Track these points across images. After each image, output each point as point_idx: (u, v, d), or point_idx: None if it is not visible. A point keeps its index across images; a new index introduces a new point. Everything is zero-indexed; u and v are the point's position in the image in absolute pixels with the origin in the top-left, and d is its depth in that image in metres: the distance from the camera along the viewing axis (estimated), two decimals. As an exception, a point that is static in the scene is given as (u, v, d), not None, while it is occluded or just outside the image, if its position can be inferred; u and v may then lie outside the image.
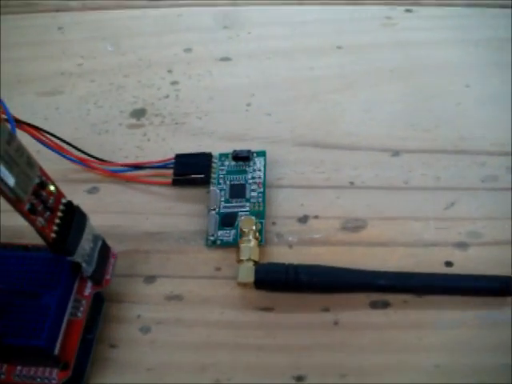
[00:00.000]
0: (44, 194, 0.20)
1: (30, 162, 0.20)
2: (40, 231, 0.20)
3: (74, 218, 0.22)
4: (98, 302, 0.25)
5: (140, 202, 0.29)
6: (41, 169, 0.21)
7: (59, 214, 0.21)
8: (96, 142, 0.32)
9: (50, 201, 0.21)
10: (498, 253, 0.27)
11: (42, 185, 0.20)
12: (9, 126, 0.19)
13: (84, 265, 0.23)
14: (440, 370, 0.23)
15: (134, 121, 0.33)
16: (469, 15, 0.37)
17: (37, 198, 0.20)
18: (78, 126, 0.33)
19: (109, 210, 0.29)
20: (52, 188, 0.21)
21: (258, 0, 0.39)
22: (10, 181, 0.18)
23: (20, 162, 0.19)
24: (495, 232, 0.27)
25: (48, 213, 0.21)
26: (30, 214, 0.20)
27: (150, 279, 0.26)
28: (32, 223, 0.20)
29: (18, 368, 0.22)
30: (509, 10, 0.37)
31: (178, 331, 0.25)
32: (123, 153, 0.31)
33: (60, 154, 0.29)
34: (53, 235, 0.21)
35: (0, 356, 0.22)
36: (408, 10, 0.38)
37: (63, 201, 0.22)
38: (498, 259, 0.26)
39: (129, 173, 0.30)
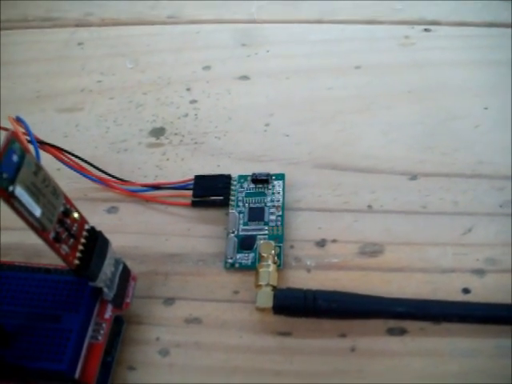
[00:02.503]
0: (68, 221, 0.21)
1: (56, 192, 0.20)
2: (64, 259, 0.21)
3: (97, 243, 0.22)
4: (118, 325, 0.25)
5: (159, 223, 0.29)
6: (65, 197, 0.21)
7: (82, 240, 0.22)
8: (115, 161, 0.32)
9: (74, 228, 0.21)
10: (514, 280, 0.27)
11: (67, 213, 0.21)
12: (34, 156, 0.19)
13: (105, 290, 0.23)
14: (457, 400, 0.23)
15: (153, 140, 0.33)
16: (489, 35, 0.37)
17: (61, 226, 0.20)
18: (97, 145, 0.33)
19: (128, 231, 0.29)
20: (76, 215, 0.21)
21: (277, 18, 0.39)
22: (37, 212, 0.19)
23: (46, 192, 0.19)
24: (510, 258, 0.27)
25: (72, 240, 0.21)
26: (54, 243, 0.20)
27: (169, 301, 0.27)
28: (57, 251, 0.20)
29: (39, 390, 0.23)
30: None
31: (197, 355, 0.25)
32: (142, 172, 0.32)
33: (80, 173, 0.30)
34: (76, 262, 0.21)
35: (20, 379, 0.22)
36: (426, 30, 0.38)
37: (86, 227, 0.22)
38: (513, 285, 0.26)
39: (148, 193, 0.30)
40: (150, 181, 0.31)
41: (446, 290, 0.26)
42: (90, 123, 0.34)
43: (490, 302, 0.25)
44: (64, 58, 0.39)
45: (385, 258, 0.28)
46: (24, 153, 0.18)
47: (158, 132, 0.34)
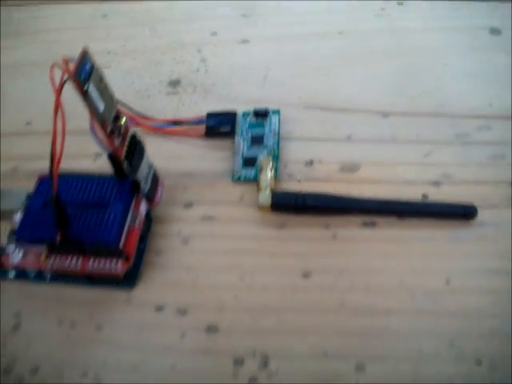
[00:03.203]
0: (118, 124, 0.27)
1: (112, 99, 0.27)
2: (115, 151, 0.27)
3: (137, 146, 0.29)
4: (148, 222, 0.32)
5: (178, 150, 0.36)
6: (117, 107, 0.28)
7: (127, 141, 0.28)
8: (140, 106, 0.39)
9: (122, 130, 0.28)
10: (465, 190, 0.33)
11: (118, 117, 0.27)
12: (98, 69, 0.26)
13: (142, 184, 0.30)
14: (414, 273, 0.30)
15: (170, 89, 0.40)
16: (453, 8, 0.44)
17: (114, 124, 0.27)
18: (124, 93, 0.40)
19: (153, 157, 0.36)
20: (123, 121, 0.28)
21: (273, -6, 0.46)
22: (101, 107, 0.25)
23: (106, 96, 0.26)
24: (464, 174, 0.34)
25: (120, 139, 0.28)
26: (110, 135, 0.27)
27: (188, 205, 0.33)
28: (110, 144, 0.27)
29: (91, 260, 0.29)
30: (486, 3, 0.45)
31: (211, 242, 0.32)
32: (163, 114, 0.38)
33: (113, 111, 0.36)
34: (123, 156, 0.28)
35: (79, 252, 0.29)
36: (399, 4, 0.45)
37: (130, 133, 0.29)
38: (464, 194, 0.33)
39: (169, 128, 0.37)
40: (171, 118, 0.37)
41: (408, 195, 0.33)
42: (117, 78, 0.41)
43: (442, 202, 0.32)
44: (91, 27, 0.45)
45: (360, 174, 0.34)
46: (93, 64, 0.25)
47: (175, 83, 0.40)
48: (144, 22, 0.45)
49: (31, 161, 0.36)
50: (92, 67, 0.25)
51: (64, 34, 0.45)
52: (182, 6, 0.46)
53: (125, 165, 0.28)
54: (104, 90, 0.26)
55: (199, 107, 0.38)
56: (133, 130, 0.29)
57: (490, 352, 0.27)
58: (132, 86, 0.40)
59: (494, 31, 0.43)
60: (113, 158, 0.29)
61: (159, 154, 0.35)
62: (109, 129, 0.26)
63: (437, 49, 0.42)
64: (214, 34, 0.44)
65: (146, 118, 0.37)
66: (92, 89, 0.24)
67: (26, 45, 0.44)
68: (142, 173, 0.30)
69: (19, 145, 0.38)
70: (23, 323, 0.29)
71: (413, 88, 0.39)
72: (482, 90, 0.39)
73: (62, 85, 0.23)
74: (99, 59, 0.43)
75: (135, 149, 0.29)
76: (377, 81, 0.40)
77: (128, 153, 0.28)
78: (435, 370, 0.27)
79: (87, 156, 0.36)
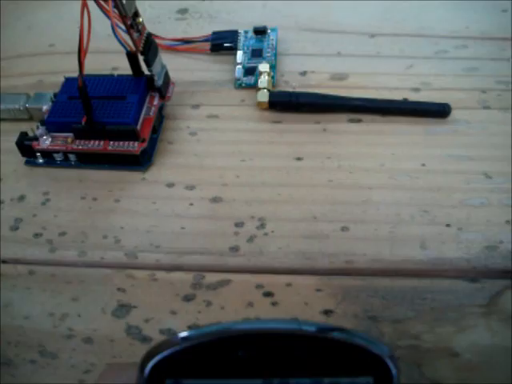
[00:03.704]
0: (137, 20, 0.32)
1: (131, -3, 0.31)
2: (134, 42, 0.31)
3: (152, 44, 0.33)
4: (161, 117, 0.36)
5: (187, 64, 0.40)
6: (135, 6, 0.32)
7: (143, 38, 0.33)
8: (152, 30, 0.42)
9: (139, 27, 0.32)
10: (441, 95, 0.37)
11: (136, 14, 0.32)
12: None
13: (156, 78, 0.34)
14: (394, 158, 0.34)
15: (179, 15, 0.44)
16: None
17: (134, 20, 0.31)
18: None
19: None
20: (141, 19, 0.32)
21: None
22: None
23: (126, -7, 0.30)
24: (441, 83, 0.38)
25: (138, 34, 0.32)
26: (130, 28, 0.31)
27: (196, 106, 0.38)
28: (131, 35, 0.31)
29: (112, 142, 0.33)
30: None
31: (215, 134, 0.36)
32: (173, 35, 0.42)
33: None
34: (140, 48, 0.32)
35: (101, 135, 0.33)
36: None
37: (146, 32, 0.33)
38: (440, 98, 0.37)
39: (178, 46, 0.41)
40: (181, 37, 0.42)
41: (391, 97, 0.37)
42: (130, 7, 0.45)
43: (420, 101, 0.36)
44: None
45: (349, 81, 0.39)
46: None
47: (183, 11, 0.45)
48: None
49: (54, 74, 0.40)
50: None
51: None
52: None
53: (141, 58, 0.33)
54: (124, -13, 0.30)
55: (205, 30, 0.43)
56: (147, 31, 0.33)
57: (458, 218, 0.31)
58: (144, 14, 0.44)
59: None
60: (131, 56, 0.33)
61: (169, 67, 0.40)
62: (129, 22, 0.30)
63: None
64: (218, -30, 0.48)
65: (157, 36, 0.41)
66: (115, -18, 0.29)
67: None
68: (156, 68, 0.34)
69: (43, 62, 0.42)
70: (51, 199, 0.34)
71: (398, 13, 0.43)
72: (460, 15, 0.43)
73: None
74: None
75: (150, 46, 0.33)
76: (366, 7, 0.44)
77: (144, 48, 0.32)
78: (410, 231, 0.31)
79: (105, 70, 0.40)
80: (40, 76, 0.41)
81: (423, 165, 0.34)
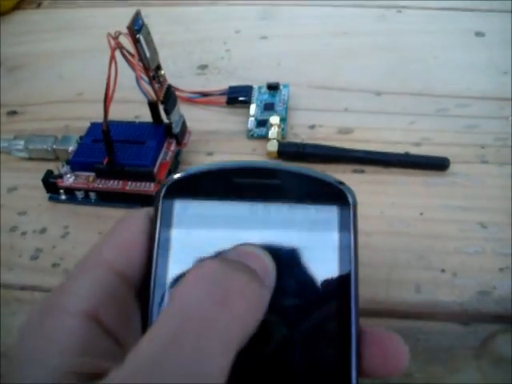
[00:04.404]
0: (159, 73, 0.35)
1: (155, 51, 0.34)
2: (155, 92, 0.35)
3: (171, 95, 0.37)
4: (176, 163, 0.39)
5: (203, 115, 0.44)
6: (159, 61, 0.35)
7: (164, 89, 0.36)
8: (174, 83, 0.46)
9: (161, 79, 0.35)
10: (441, 150, 0.40)
11: (159, 67, 0.35)
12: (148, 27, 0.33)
13: (174, 125, 0.37)
14: (394, 206, 0.36)
15: (199, 71, 0.48)
16: (444, 15, 0.52)
17: (156, 73, 0.34)
18: (160, 74, 0.48)
19: (182, 118, 0.43)
20: (162, 72, 0.35)
21: (288, 1, 0.55)
22: (147, 54, 0.33)
23: (151, 48, 0.34)
24: (441, 138, 0.41)
25: (159, 85, 0.35)
26: (152, 79, 0.34)
27: (210, 153, 0.40)
28: (152, 86, 0.34)
29: (129, 182, 0.36)
30: (473, 13, 0.52)
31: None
32: (192, 88, 0.46)
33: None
34: (161, 98, 0.35)
35: (120, 176, 0.36)
36: (399, 11, 0.53)
37: (166, 83, 0.36)
38: (440, 153, 0.39)
39: (197, 98, 0.44)
40: (199, 89, 0.45)
41: (393, 150, 0.39)
42: (155, 63, 0.49)
43: (421, 154, 0.39)
44: (135, 27, 0.54)
45: (354, 135, 0.41)
46: (143, 21, 0.33)
47: (203, 67, 0.48)
48: (180, 22, 0.54)
49: (80, 120, 0.44)
50: (142, 23, 0.33)
51: (109, 30, 0.54)
52: (212, 9, 0.55)
53: (161, 107, 0.36)
54: (150, 43, 0.33)
55: (222, 85, 0.46)
56: (168, 83, 0.36)
57: (452, 264, 0.33)
58: (167, 69, 0.48)
59: (479, 34, 0.50)
60: (152, 105, 0.36)
61: (187, 117, 0.43)
62: (152, 74, 0.34)
63: (428, 46, 0.49)
64: (238, 31, 0.52)
65: (178, 89, 0.45)
66: (142, 38, 0.32)
67: (77, 36, 0.53)
68: (174, 117, 0.37)
69: (71, 109, 0.46)
70: (71, 232, 0.36)
71: (404, 75, 0.46)
72: (464, 78, 0.46)
73: (116, 38, 0.31)
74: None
75: (170, 96, 0.36)
76: (373, 69, 0.47)
77: (164, 98, 0.36)
78: (406, 274, 0.33)
79: (128, 118, 0.43)
80: (67, 121, 0.44)
81: (421, 214, 0.36)
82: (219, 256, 0.19)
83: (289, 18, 0.53)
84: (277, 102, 0.43)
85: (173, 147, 0.38)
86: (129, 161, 0.35)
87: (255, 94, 0.44)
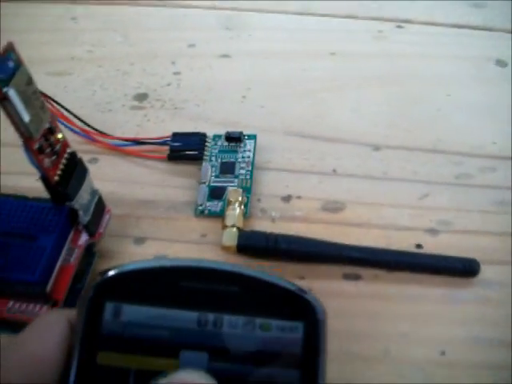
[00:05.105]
0: (52, 139, 0.22)
1: (43, 108, 0.22)
2: (45, 172, 0.22)
3: (77, 167, 0.24)
4: (90, 256, 0.27)
5: (136, 174, 0.31)
6: (52, 116, 0.23)
7: (64, 160, 0.23)
8: (99, 119, 0.34)
9: (57, 147, 0.23)
10: (466, 240, 0.29)
11: (52, 131, 0.22)
12: (28, 69, 0.21)
13: (81, 213, 0.24)
14: (404, 336, 0.25)
15: (136, 103, 0.35)
16: (456, 34, 0.40)
17: (46, 140, 0.22)
18: (83, 105, 0.35)
19: (106, 179, 0.31)
20: (60, 136, 0.23)
21: (259, 7, 0.42)
22: (26, 118, 0.20)
23: (35, 104, 0.21)
24: (465, 222, 0.29)
25: (54, 157, 0.23)
26: (38, 153, 0.21)
27: (140, 241, 0.28)
28: (40, 163, 0.22)
29: (10, 303, 0.24)
30: (492, 33, 0.40)
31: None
32: (123, 130, 0.33)
33: (64, 124, 0.31)
34: (56, 178, 0.23)
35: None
36: (399, 26, 0.41)
37: (68, 150, 0.24)
38: (465, 246, 0.28)
39: (128, 147, 0.32)
40: (131, 136, 0.32)
41: (400, 245, 0.28)
42: (77, 86, 0.36)
43: (438, 254, 0.27)
44: (58, 30, 0.41)
45: (345, 215, 0.29)
46: (19, 63, 0.20)
47: (142, 97, 0.36)
48: (116, 27, 0.41)
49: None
50: (17, 66, 0.20)
51: (29, 35, 0.40)
52: (159, 12, 0.42)
53: (59, 189, 0.23)
54: (31, 97, 0.21)
55: (166, 125, 0.34)
56: (71, 148, 0.24)
57: None
58: (93, 98, 0.35)
59: (501, 63, 0.38)
60: (46, 181, 0.23)
61: (114, 176, 0.31)
62: (36, 145, 0.21)
63: (438, 77, 0.37)
64: (192, 45, 0.39)
65: (102, 134, 0.32)
66: (13, 93, 0.19)
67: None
68: (82, 200, 0.24)
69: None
70: None
71: (410, 119, 0.35)
72: (486, 125, 0.34)
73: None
74: (61, 65, 0.38)
75: (74, 171, 0.24)
76: (369, 109, 0.35)
77: (63, 176, 0.23)
78: None
79: (30, 174, 0.31)
80: None
81: (442, 353, 0.25)
82: None
83: (260, 28, 0.41)
84: (239, 160, 0.31)
85: (82, 240, 0.26)
86: (8, 272, 0.23)
87: (210, 146, 0.31)
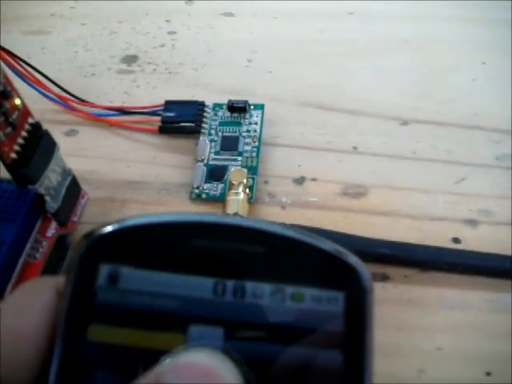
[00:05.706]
0: (7, 105, 0.18)
1: (-6, 65, 0.17)
2: (1, 145, 0.17)
3: (41, 142, 0.19)
4: (62, 250, 0.22)
5: (122, 149, 0.27)
6: (7, 79, 0.18)
7: (23, 133, 0.19)
8: (80, 85, 0.29)
9: (14, 116, 0.18)
10: (510, 233, 0.24)
11: (5, 95, 0.17)
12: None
13: (48, 198, 0.20)
14: (442, 353, 0.21)
15: (124, 66, 0.30)
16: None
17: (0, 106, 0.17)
18: (62, 68, 0.30)
19: (86, 155, 0.26)
20: (17, 102, 0.18)
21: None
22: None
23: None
24: (509, 211, 0.25)
25: (10, 128, 0.18)
26: (-13, 122, 0.17)
27: (124, 229, 0.24)
28: (-11, 135, 0.17)
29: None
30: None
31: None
32: (109, 97, 0.29)
33: (38, 90, 0.27)
34: (13, 155, 0.18)
35: None
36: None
37: (30, 121, 0.19)
38: (509, 239, 0.24)
39: (113, 117, 0.27)
40: (117, 105, 0.28)
41: (435, 238, 0.24)
42: (57, 47, 0.32)
43: (482, 252, 0.23)
44: (35, -18, 0.35)
45: (369, 201, 0.25)
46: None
47: (130, 59, 0.31)
48: (103, -21, 0.35)
49: None
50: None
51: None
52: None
53: (18, 169, 0.18)
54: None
55: (158, 93, 0.29)
56: (34, 118, 0.19)
57: None
58: (74, 60, 0.31)
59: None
60: (1, 159, 0.19)
61: (95, 152, 0.26)
62: (-15, 111, 0.16)
63: (472, 42, 0.32)
64: (190, 1, 0.34)
65: (83, 101, 0.27)
66: None
67: None
68: (49, 182, 0.20)
69: None
70: None
71: (441, 90, 0.30)
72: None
73: None
74: (38, 23, 0.33)
75: (37, 146, 0.19)
76: (396, 77, 0.30)
77: (23, 152, 0.18)
78: None
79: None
80: None
81: (488, 374, 0.20)
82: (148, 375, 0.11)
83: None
84: (243, 134, 0.26)
85: (51, 231, 0.21)
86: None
87: (209, 117, 0.26)
